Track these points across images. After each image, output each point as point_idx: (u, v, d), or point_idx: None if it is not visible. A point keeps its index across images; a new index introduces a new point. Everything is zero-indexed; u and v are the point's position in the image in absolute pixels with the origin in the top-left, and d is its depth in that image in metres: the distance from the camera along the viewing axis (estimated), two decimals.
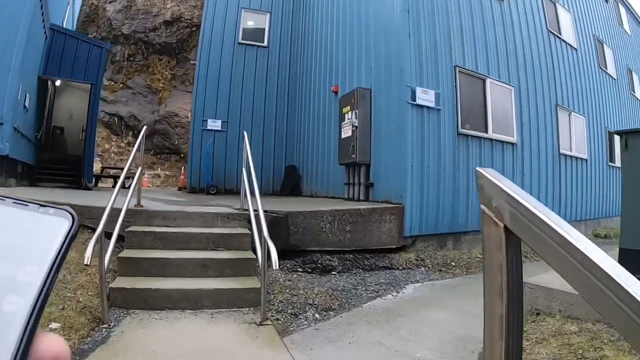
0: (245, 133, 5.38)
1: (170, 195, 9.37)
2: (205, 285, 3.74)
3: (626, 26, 16.49)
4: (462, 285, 5.07)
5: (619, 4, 16.06)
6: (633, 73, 16.45)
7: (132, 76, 24.79)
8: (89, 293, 3.46)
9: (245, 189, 4.97)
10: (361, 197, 7.27)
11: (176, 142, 23.46)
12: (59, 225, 0.34)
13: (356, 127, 7.26)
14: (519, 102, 8.63)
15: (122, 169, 5.44)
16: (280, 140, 11.57)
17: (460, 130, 7.05)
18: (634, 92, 16.30)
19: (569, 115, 10.62)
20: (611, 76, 13.93)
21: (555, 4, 10.81)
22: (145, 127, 5.70)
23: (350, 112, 7.54)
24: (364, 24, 7.90)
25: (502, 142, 7.96)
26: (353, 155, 7.26)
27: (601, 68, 13.20)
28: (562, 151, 10.05)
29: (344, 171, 8.04)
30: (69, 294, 3.36)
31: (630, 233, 3.84)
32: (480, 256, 6.86)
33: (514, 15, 8.94)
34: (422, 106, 6.47)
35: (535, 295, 4.46)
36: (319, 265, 5.19)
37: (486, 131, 7.62)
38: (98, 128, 23.79)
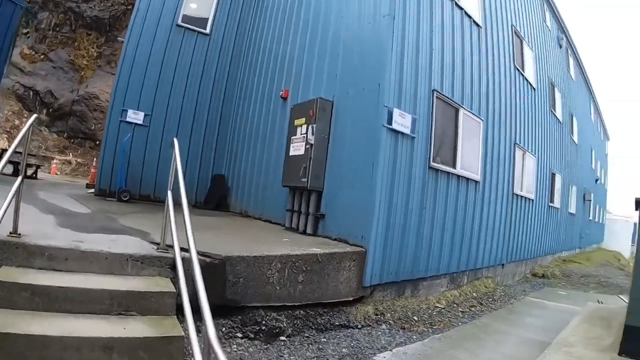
0: (176, 141, 3.98)
1: (71, 198, 7.55)
2: None
3: (572, 72, 17.04)
4: (436, 356, 4.21)
5: (569, 50, 16.54)
6: (574, 118, 17.00)
7: (55, 48, 22.00)
8: None
9: (169, 215, 3.58)
10: (308, 230, 6.10)
11: (92, 127, 21.01)
12: None
13: (311, 145, 6.08)
14: (485, 137, 8.04)
15: (21, 153, 3.82)
16: (209, 143, 9.91)
17: (432, 163, 6.15)
18: (573, 136, 16.86)
19: (524, 154, 10.35)
20: (558, 119, 14.13)
21: (522, 41, 10.55)
22: (35, 117, 4.05)
23: (304, 126, 6.32)
24: (332, 24, 6.73)
25: (467, 179, 7.24)
26: (304, 179, 6.06)
27: (551, 110, 13.28)
28: (515, 191, 9.69)
29: (287, 194, 6.79)
30: None
31: (637, 310, 3.57)
32: (439, 305, 6.05)
33: (489, 44, 8.36)
34: (397, 132, 5.45)
35: None
36: (263, 328, 3.97)
37: (454, 166, 6.83)
38: (9, 101, 20.87)
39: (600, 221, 28.70)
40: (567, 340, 4.08)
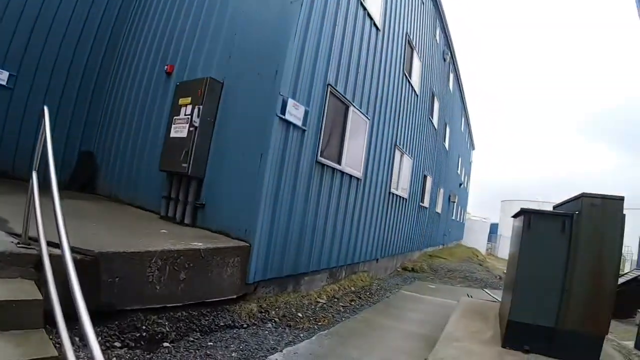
0: (46, 110, 3.26)
1: None
2: None
3: (451, 85, 18.68)
4: (328, 355, 4.15)
5: (451, 65, 18.08)
6: (447, 126, 18.68)
7: None
8: None
9: (34, 201, 2.88)
10: (186, 220, 5.64)
11: None
12: None
13: (196, 127, 5.61)
14: (370, 136, 8.32)
15: None
16: (80, 114, 8.54)
17: (319, 158, 6.11)
18: (445, 142, 18.54)
19: (402, 155, 11.01)
20: (434, 126, 15.36)
21: (413, 50, 11.18)
22: None
23: (190, 107, 5.78)
24: (231, 2, 6.23)
25: (350, 175, 7.41)
26: (184, 164, 5.56)
27: (429, 118, 14.37)
28: (392, 190, 10.27)
29: (164, 180, 6.20)
30: None
31: (519, 307, 3.95)
32: (321, 300, 6.11)
33: (384, 48, 8.66)
34: (289, 122, 5.25)
35: None
36: (144, 334, 3.48)
37: (340, 163, 6.92)
38: None
39: (461, 221, 32.33)
40: (453, 335, 4.32)
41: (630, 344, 5.14)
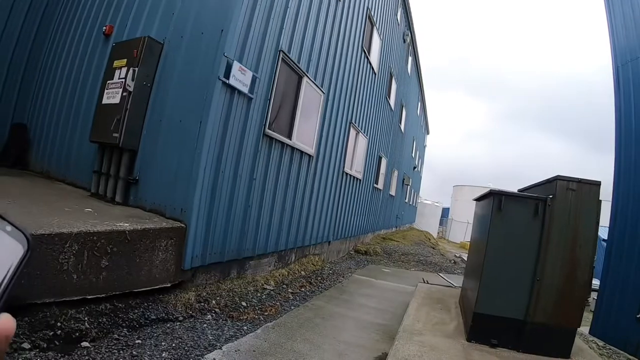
0: None
1: None
2: None
3: (409, 68, 18.54)
4: (273, 351, 3.67)
5: (410, 46, 17.89)
6: (404, 108, 18.60)
7: None
8: None
9: None
10: (117, 198, 4.98)
11: None
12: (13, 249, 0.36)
13: (130, 92, 4.93)
14: (324, 111, 7.91)
15: None
16: (13, 82, 7.44)
17: (267, 130, 5.62)
18: (401, 124, 18.47)
19: (357, 134, 10.72)
20: (391, 107, 15.16)
21: (373, 26, 10.82)
22: None
23: (125, 69, 5.06)
24: None
25: (301, 152, 6.99)
26: (116, 134, 4.88)
27: (387, 98, 14.15)
28: (346, 169, 9.98)
29: (96, 153, 5.50)
30: None
31: (486, 298, 3.66)
32: (268, 287, 5.70)
33: (343, 19, 8.20)
34: (234, 88, 4.69)
35: None
36: (59, 332, 2.94)
37: (290, 137, 6.46)
38: None
39: (414, 204, 32.87)
40: (414, 327, 4.01)
41: (585, 329, 5.13)
